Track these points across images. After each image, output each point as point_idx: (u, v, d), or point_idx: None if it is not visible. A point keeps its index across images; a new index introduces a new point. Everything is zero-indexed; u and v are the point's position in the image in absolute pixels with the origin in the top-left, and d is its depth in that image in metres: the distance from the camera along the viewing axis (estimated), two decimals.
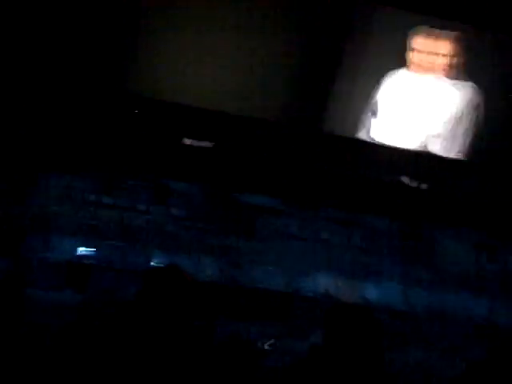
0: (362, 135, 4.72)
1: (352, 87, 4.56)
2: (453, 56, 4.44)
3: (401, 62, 4.53)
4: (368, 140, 4.69)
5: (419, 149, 4.71)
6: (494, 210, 4.86)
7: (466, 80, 4.52)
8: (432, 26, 4.39)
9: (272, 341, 4.31)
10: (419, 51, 4.44)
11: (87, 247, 4.32)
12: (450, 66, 4.46)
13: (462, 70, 4.49)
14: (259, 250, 4.62)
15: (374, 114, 4.65)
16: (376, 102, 4.63)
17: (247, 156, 4.49)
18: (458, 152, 4.71)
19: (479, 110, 4.57)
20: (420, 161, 4.75)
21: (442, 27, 4.39)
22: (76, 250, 4.32)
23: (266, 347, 4.23)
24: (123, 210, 4.41)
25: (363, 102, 4.63)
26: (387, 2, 4.30)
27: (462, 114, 4.58)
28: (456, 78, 4.51)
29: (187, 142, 4.34)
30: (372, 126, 4.68)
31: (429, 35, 4.40)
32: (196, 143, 4.36)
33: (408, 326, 4.75)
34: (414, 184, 4.75)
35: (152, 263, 4.28)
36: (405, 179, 4.76)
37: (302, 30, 4.32)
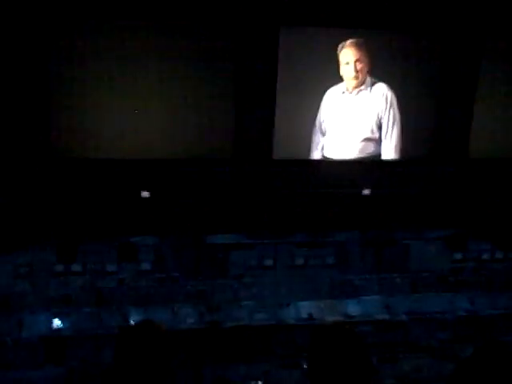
0: (316, 155, 4.75)
1: (295, 110, 4.58)
2: (365, 61, 4.57)
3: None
4: (322, 158, 4.73)
5: (368, 157, 4.78)
6: (456, 205, 4.90)
7: (379, 81, 4.66)
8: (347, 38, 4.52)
9: (259, 382, 4.30)
10: (343, 63, 4.56)
11: (61, 319, 4.25)
12: (363, 71, 4.59)
13: (373, 71, 4.63)
14: (235, 288, 4.59)
15: (323, 133, 4.71)
16: (322, 122, 4.69)
17: (203, 198, 4.46)
18: (400, 152, 4.81)
19: (394, 105, 4.71)
20: (374, 168, 4.79)
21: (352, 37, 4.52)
22: (51, 324, 4.24)
23: None
24: (93, 275, 4.34)
25: (310, 124, 4.67)
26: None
27: (384, 112, 4.72)
28: (373, 82, 4.65)
29: (144, 195, 4.29)
30: (323, 144, 4.73)
31: (346, 47, 4.53)
32: (148, 194, 4.32)
33: (394, 334, 4.76)
34: (375, 192, 4.78)
35: (129, 323, 4.22)
36: (365, 190, 4.78)
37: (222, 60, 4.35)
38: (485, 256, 5.05)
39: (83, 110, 4.20)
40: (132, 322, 4.21)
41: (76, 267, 4.31)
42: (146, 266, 4.41)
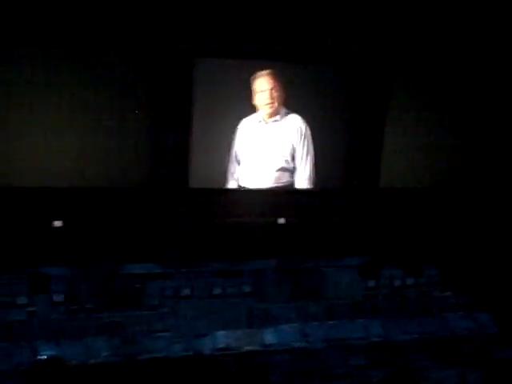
0: (231, 184, 4.79)
1: (211, 139, 4.61)
2: (280, 90, 4.68)
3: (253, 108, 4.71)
4: (237, 188, 4.77)
5: (282, 187, 4.86)
6: (368, 233, 5.02)
7: (292, 112, 4.78)
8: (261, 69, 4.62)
9: None
10: (258, 91, 4.65)
11: None
12: (278, 100, 4.69)
13: (287, 102, 4.74)
14: (151, 319, 4.51)
15: (238, 162, 4.76)
16: (237, 151, 4.74)
17: (117, 227, 4.40)
18: (313, 183, 4.92)
19: (308, 136, 4.83)
20: (288, 198, 4.86)
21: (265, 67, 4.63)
22: None
23: None
24: (2, 308, 4.16)
25: (225, 153, 4.72)
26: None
27: (298, 143, 4.82)
28: (287, 113, 4.76)
29: (56, 224, 4.19)
30: (239, 174, 4.77)
31: (261, 76, 4.63)
32: (61, 224, 4.22)
33: (309, 362, 4.79)
34: (289, 220, 4.84)
35: (38, 359, 4.05)
36: (280, 219, 4.84)
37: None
38: (396, 283, 5.18)
39: None
40: (41, 358, 4.04)
41: None
42: (58, 297, 4.28)
